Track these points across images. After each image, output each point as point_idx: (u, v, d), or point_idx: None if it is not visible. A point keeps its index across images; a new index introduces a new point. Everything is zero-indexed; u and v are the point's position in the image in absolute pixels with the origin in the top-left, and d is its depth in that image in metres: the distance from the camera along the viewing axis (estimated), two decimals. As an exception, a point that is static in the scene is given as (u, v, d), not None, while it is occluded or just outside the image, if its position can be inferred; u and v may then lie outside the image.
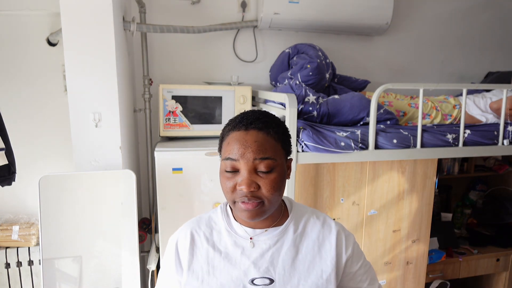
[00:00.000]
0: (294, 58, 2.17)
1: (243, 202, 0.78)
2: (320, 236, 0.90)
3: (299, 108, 1.79)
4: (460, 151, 1.89)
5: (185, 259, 0.87)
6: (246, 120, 0.80)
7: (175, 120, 1.97)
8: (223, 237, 0.88)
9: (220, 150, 0.86)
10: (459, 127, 1.89)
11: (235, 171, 0.79)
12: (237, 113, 2.04)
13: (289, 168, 0.87)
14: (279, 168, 0.80)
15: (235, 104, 2.02)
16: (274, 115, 0.87)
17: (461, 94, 2.09)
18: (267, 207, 0.80)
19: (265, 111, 0.87)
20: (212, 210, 0.96)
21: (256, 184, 0.77)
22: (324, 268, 0.86)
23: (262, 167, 0.78)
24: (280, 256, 0.85)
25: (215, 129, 2.01)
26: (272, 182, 0.78)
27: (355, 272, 0.92)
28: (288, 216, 0.90)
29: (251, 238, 0.86)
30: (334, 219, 0.96)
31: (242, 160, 0.77)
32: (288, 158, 0.86)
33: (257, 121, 0.80)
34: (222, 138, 0.85)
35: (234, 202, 0.80)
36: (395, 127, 1.86)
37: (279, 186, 0.80)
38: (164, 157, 1.77)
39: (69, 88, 1.67)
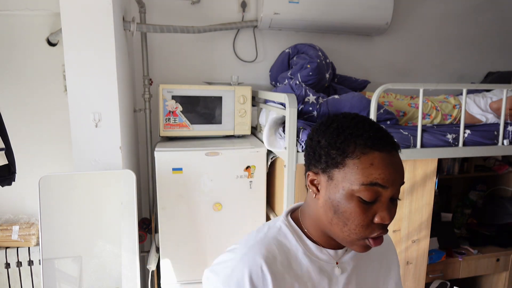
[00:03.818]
0: (294, 58, 2.17)
1: (376, 239, 0.67)
2: (385, 244, 0.83)
3: (299, 108, 1.79)
4: (460, 151, 1.89)
5: None
6: (387, 139, 0.67)
7: (175, 120, 1.97)
8: (303, 265, 0.72)
9: (331, 164, 0.67)
10: (459, 127, 1.88)
11: (373, 200, 0.66)
12: (237, 113, 2.06)
13: None
14: None
15: (235, 104, 2.02)
16: None
17: (461, 94, 2.09)
18: None
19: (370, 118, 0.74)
20: (272, 228, 0.76)
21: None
22: (396, 280, 0.84)
23: (397, 194, 0.67)
24: (367, 275, 0.78)
25: (215, 129, 2.01)
26: (396, 208, 0.69)
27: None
28: None
29: (337, 263, 0.74)
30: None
31: (391, 187, 0.65)
32: None
33: (394, 140, 0.69)
34: (344, 151, 0.66)
35: (361, 239, 0.67)
36: (395, 127, 1.86)
37: None
38: (164, 157, 1.77)
39: (69, 88, 1.67)
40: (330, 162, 0.67)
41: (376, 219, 0.65)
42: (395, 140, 0.69)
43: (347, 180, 0.65)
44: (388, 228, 0.68)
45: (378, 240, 0.67)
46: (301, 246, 0.73)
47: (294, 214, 0.80)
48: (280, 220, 0.77)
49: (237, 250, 0.72)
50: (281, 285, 0.69)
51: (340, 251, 0.75)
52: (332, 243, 0.74)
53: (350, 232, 0.66)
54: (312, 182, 0.72)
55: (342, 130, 0.67)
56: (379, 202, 0.65)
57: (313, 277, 0.72)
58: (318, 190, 0.71)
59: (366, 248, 0.68)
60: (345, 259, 0.75)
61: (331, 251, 0.74)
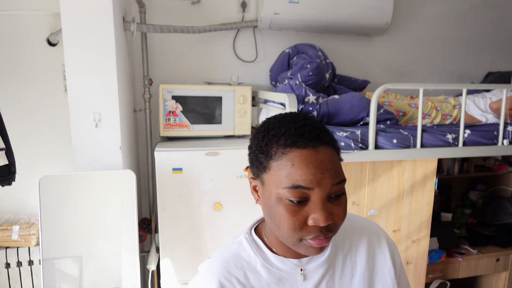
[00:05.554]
0: (294, 58, 2.17)
1: (316, 239, 0.61)
2: (371, 247, 0.75)
3: (299, 108, 1.79)
4: (460, 151, 1.89)
5: None
6: (310, 133, 0.61)
7: (175, 120, 1.97)
8: (262, 277, 0.70)
9: (261, 168, 0.65)
10: (459, 127, 1.89)
11: (303, 200, 0.61)
12: (237, 113, 2.06)
13: None
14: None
15: (235, 104, 2.02)
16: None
17: (461, 94, 2.09)
18: (333, 237, 0.65)
19: (306, 115, 0.69)
20: (233, 243, 0.76)
21: (331, 215, 0.61)
22: (385, 285, 0.74)
23: (336, 192, 0.62)
24: (335, 284, 0.71)
25: (215, 129, 2.02)
26: (344, 208, 0.63)
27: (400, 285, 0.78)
28: None
29: (301, 270, 0.70)
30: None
31: (318, 188, 0.60)
32: None
33: (323, 134, 0.62)
34: (268, 154, 0.63)
35: (300, 240, 0.63)
36: (395, 127, 1.86)
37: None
38: (164, 157, 1.77)
39: (69, 88, 1.67)
40: (260, 166, 0.65)
41: (310, 222, 0.60)
42: (330, 135, 0.65)
43: (274, 183, 0.62)
44: (333, 227, 0.63)
45: (319, 241, 0.62)
46: (260, 257, 0.71)
47: (259, 226, 0.78)
48: (242, 233, 0.77)
49: (199, 270, 0.75)
50: None
51: (304, 259, 0.71)
52: (293, 253, 0.70)
53: (288, 236, 0.63)
54: (254, 188, 0.70)
55: (267, 133, 0.64)
56: (310, 203, 0.61)
57: None
58: (259, 196, 0.69)
59: (311, 249, 0.63)
60: (310, 267, 0.70)
61: (294, 260, 0.70)
